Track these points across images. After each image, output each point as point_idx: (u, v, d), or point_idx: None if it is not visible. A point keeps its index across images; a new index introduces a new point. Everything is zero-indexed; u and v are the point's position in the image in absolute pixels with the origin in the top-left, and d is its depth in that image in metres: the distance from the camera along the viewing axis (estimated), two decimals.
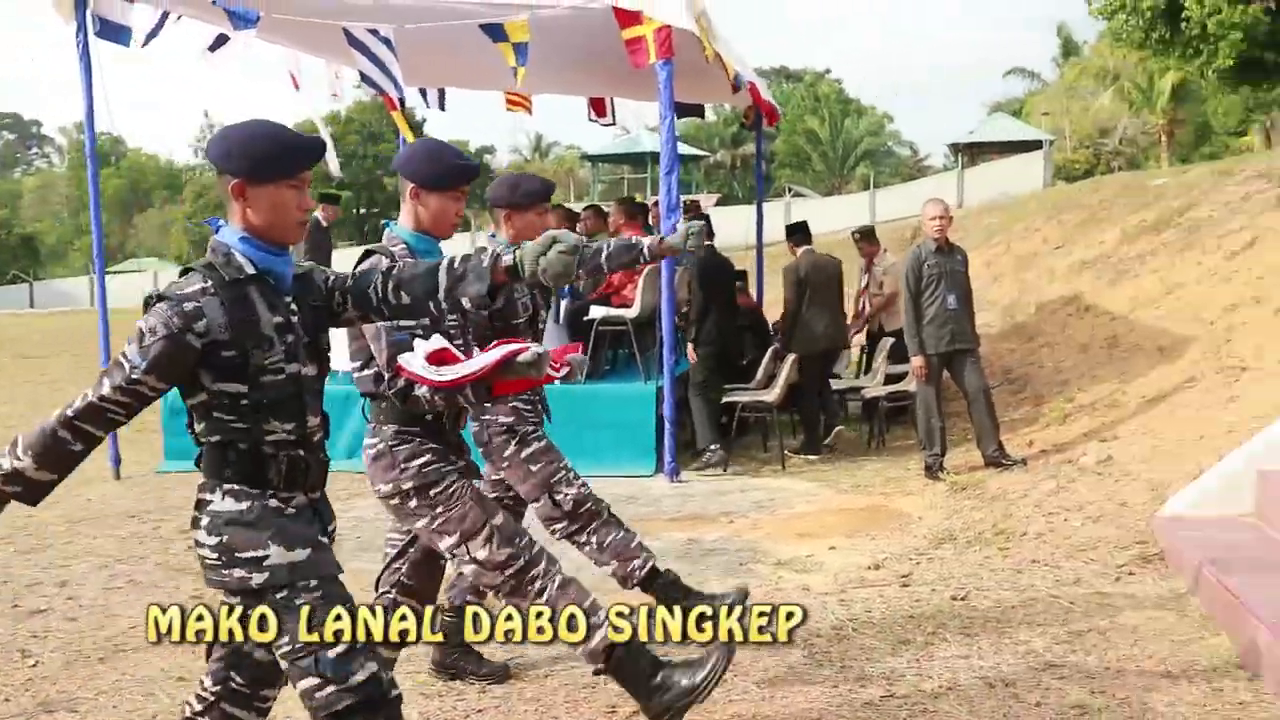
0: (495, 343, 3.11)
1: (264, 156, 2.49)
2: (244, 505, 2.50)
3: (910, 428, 8.44)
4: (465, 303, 2.57)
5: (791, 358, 8.56)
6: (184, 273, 2.52)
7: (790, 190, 40.49)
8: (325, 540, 2.63)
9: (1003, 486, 7.00)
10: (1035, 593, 5.10)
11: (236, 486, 2.51)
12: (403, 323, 3.15)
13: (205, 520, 2.52)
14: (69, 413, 2.41)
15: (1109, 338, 10.04)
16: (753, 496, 7.40)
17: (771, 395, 8.43)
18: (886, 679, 4.17)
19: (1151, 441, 7.10)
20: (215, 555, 2.49)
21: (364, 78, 7.60)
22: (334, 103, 10.94)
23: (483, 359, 2.97)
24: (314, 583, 2.50)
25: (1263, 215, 10.50)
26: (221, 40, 8.01)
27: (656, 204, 9.21)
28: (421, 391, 3.15)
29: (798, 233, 9.22)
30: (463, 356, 3.04)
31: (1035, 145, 32.65)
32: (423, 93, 11.73)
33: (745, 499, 7.35)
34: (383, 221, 3.53)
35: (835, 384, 9.59)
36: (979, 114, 49.04)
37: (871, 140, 50.25)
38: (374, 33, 7.47)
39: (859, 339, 10.66)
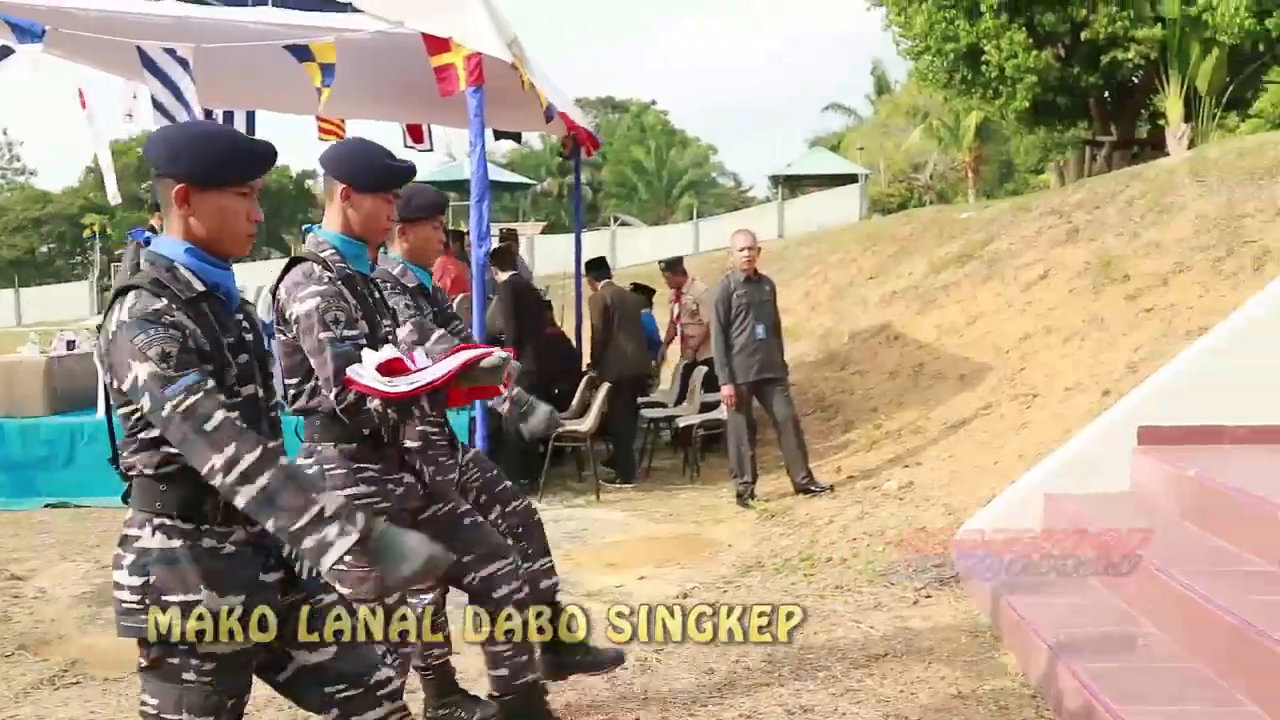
0: (452, 349, 2.96)
1: (215, 159, 2.30)
2: (176, 543, 2.28)
3: (725, 456, 8.54)
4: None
5: (605, 386, 8.58)
6: (123, 293, 2.26)
7: (616, 219, 40.82)
8: (267, 580, 2.39)
9: (811, 513, 7.13)
10: (837, 619, 5.18)
11: (169, 521, 2.28)
12: (346, 333, 2.95)
13: (129, 558, 2.29)
14: (250, 462, 2.16)
15: (916, 366, 10.38)
16: (565, 527, 7.34)
17: (585, 425, 8.41)
18: (688, 709, 4.16)
19: (950, 467, 7.36)
20: (137, 598, 2.26)
21: (154, 103, 7.24)
22: (130, 124, 10.43)
23: (440, 367, 2.80)
24: (235, 646, 2.31)
25: (1055, 249, 11.04)
26: (4, 52, 7.55)
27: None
28: (374, 404, 2.90)
29: (597, 268, 9.58)
30: (413, 366, 2.85)
31: (852, 179, 33.79)
32: (229, 115, 11.35)
33: (558, 529, 7.26)
34: (304, 225, 3.29)
35: (652, 413, 9.65)
36: (800, 148, 50.45)
37: (696, 171, 51.16)
38: (170, 53, 7.16)
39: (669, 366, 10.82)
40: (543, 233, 32.29)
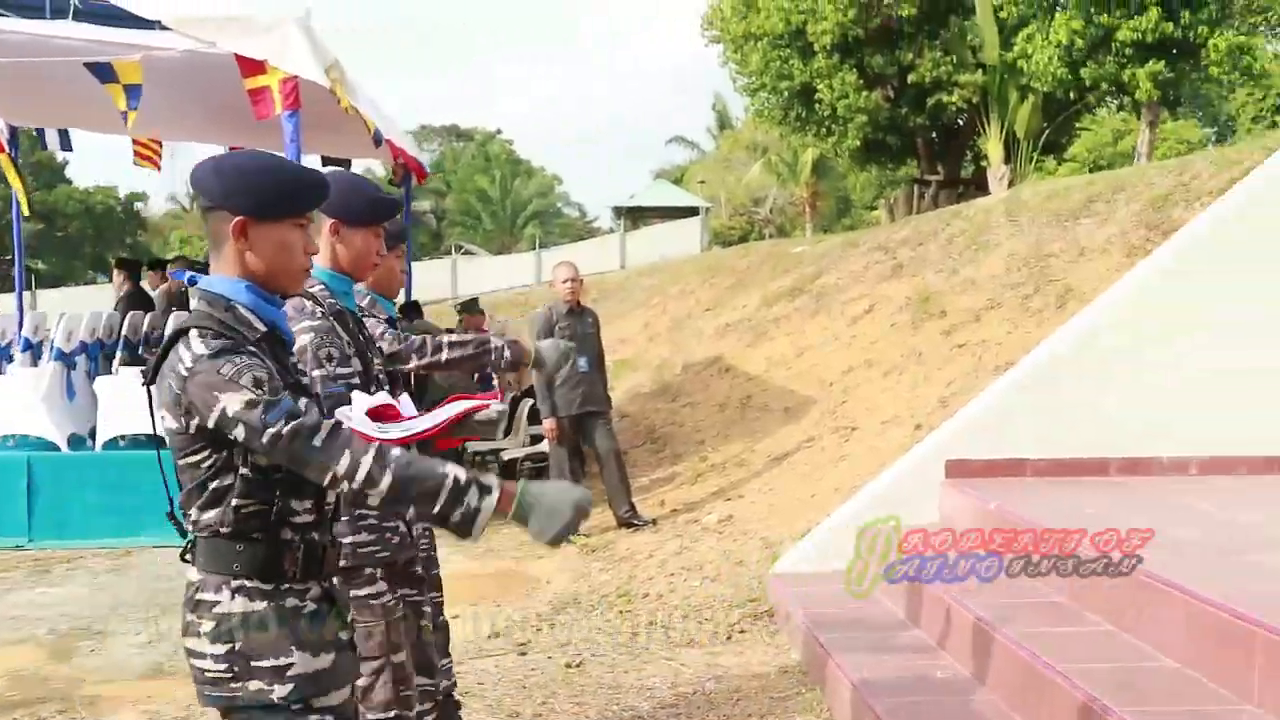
0: (450, 398, 2.89)
1: (273, 191, 2.17)
2: (260, 605, 2.13)
3: None
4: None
5: None
6: (182, 334, 2.11)
7: (459, 248, 40.47)
8: (346, 637, 2.28)
9: (631, 547, 7.09)
10: (649, 656, 5.14)
11: (249, 583, 2.13)
12: (340, 371, 2.86)
13: (208, 625, 2.13)
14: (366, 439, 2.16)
15: (744, 398, 10.48)
16: None
17: None
18: None
19: (770, 500, 7.41)
20: (223, 667, 2.11)
21: None
22: None
23: (435, 416, 2.73)
24: (330, 701, 2.19)
25: (880, 284, 11.31)
26: None
27: None
28: None
29: (407, 313, 9.72)
30: (403, 412, 2.76)
31: (694, 211, 34.26)
32: (40, 133, 10.82)
33: None
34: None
35: (478, 445, 9.51)
36: (646, 180, 50.88)
37: (541, 201, 51.11)
38: None
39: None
40: None
